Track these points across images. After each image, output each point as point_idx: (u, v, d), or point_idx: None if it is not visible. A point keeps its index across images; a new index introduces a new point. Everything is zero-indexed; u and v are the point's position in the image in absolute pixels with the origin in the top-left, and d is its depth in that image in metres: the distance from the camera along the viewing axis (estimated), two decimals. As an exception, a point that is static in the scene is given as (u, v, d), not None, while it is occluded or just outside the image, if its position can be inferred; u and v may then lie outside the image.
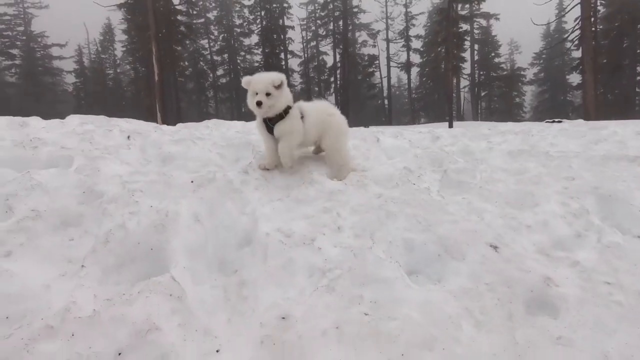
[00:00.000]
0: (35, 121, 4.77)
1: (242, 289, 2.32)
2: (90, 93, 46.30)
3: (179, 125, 5.33)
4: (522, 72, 46.02)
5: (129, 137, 4.19)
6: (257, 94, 3.09)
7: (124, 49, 42.31)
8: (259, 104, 3.06)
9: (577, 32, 24.35)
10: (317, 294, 2.03)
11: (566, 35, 28.99)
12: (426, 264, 2.52)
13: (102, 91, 45.72)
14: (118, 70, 50.01)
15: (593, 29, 26.13)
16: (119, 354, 1.63)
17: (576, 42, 26.00)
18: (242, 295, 2.28)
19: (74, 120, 4.79)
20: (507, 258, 2.43)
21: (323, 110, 3.65)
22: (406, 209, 2.86)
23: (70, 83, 48.67)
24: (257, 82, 3.10)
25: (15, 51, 42.07)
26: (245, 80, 3.17)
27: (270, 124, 3.23)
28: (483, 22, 43.97)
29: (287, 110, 3.23)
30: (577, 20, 24.00)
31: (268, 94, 3.08)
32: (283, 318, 1.89)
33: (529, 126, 5.99)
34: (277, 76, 3.14)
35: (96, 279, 2.03)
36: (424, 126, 20.73)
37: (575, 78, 42.22)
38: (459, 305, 2.08)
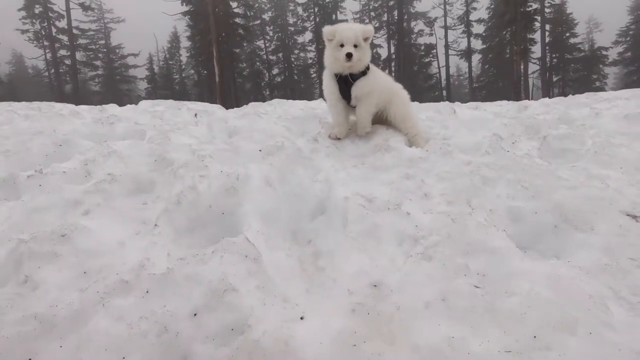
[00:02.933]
0: (112, 107, 5.02)
1: (318, 260, 2.07)
2: (159, 97, 49.99)
3: (243, 106, 5.30)
4: (603, 52, 40.60)
5: (196, 115, 4.19)
6: (342, 45, 2.75)
7: (188, 54, 45.06)
8: (349, 55, 2.69)
9: (679, -1, 20.74)
10: (413, 262, 1.70)
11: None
12: (537, 237, 2.06)
13: (170, 95, 49.16)
14: (183, 75, 53.44)
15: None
16: (195, 314, 1.46)
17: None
18: (318, 267, 2.03)
19: (146, 103, 4.95)
20: (654, 229, 1.89)
21: (390, 82, 3.32)
22: (506, 174, 2.41)
23: (143, 89, 53.03)
24: (346, 31, 2.73)
25: (97, 62, 46.75)
26: (330, 30, 2.80)
27: (351, 79, 2.91)
28: (556, -1, 39.61)
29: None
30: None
31: (355, 46, 2.75)
32: (375, 286, 1.59)
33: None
34: (367, 27, 2.81)
35: (169, 239, 1.91)
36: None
37: (672, 55, 36.25)
38: (599, 283, 1.62)
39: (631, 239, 1.84)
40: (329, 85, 3.04)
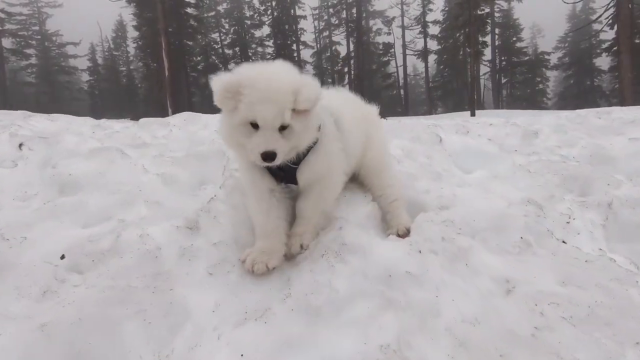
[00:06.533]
0: None
1: None
2: (103, 90, 45.88)
3: (136, 122, 3.55)
4: (545, 57, 42.80)
5: (21, 145, 2.44)
6: (253, 125, 1.32)
7: (135, 45, 41.51)
8: (269, 158, 1.29)
9: (612, 10, 21.69)
10: None
11: (597, 16, 26.08)
12: None
13: (115, 88, 45.11)
14: (131, 67, 49.32)
15: (630, 6, 23.54)
16: None
17: (610, 22, 23.35)
18: None
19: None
20: None
21: (358, 107, 1.96)
22: (625, 347, 1.01)
23: (85, 81, 48.40)
24: (262, 105, 1.28)
25: (30, 51, 41.57)
26: (226, 89, 1.31)
27: (290, 164, 1.45)
28: (504, 5, 40.87)
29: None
30: (612, -2, 21.37)
31: (284, 127, 1.32)
32: None
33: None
34: (305, 90, 1.31)
35: None
36: (458, 115, 17.75)
37: (602, 62, 38.57)
38: None
39: None
40: (247, 171, 1.55)
